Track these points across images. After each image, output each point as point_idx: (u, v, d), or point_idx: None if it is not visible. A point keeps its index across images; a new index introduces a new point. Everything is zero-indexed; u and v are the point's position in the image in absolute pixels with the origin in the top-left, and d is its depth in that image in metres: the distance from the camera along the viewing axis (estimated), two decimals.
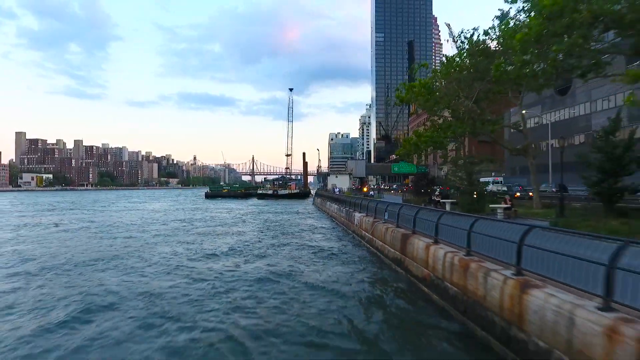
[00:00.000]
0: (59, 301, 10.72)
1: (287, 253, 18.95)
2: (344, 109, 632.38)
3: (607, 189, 14.73)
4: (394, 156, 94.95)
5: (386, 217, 17.94)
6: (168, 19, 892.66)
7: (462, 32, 21.30)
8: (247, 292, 11.78)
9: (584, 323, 5.40)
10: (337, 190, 66.35)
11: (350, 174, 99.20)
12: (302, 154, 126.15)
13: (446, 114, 28.18)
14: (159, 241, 23.15)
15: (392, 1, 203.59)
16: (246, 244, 21.99)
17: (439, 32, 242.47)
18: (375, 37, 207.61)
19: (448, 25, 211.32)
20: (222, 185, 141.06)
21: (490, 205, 19.39)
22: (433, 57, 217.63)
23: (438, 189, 32.60)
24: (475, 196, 20.99)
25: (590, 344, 5.23)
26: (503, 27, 17.73)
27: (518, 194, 28.92)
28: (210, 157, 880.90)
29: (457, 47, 22.88)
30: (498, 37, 18.70)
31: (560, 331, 5.82)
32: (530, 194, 26.58)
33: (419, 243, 12.29)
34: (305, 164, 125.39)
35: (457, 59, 24.69)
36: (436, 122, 27.35)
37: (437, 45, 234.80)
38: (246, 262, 16.57)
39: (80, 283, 12.84)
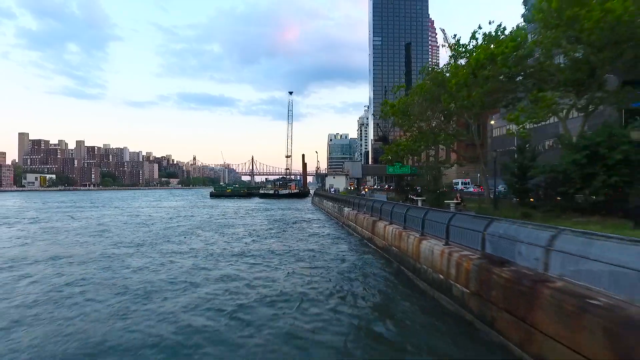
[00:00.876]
0: (181, 254, 17.32)
1: (292, 235, 25.25)
2: (343, 109, 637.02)
3: (519, 189, 20.80)
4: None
5: (365, 210, 23.99)
6: (167, 19, 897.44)
7: (425, 67, 27.20)
8: (271, 252, 18.02)
9: (436, 251, 11.45)
10: (333, 190, 72.44)
11: (346, 175, 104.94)
12: (301, 156, 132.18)
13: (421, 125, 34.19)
14: (198, 227, 30.74)
15: (389, 5, 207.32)
16: (261, 230, 28.22)
17: (436, 34, 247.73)
18: (373, 40, 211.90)
19: (442, 31, 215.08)
20: (226, 185, 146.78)
21: (445, 201, 25.36)
22: (430, 59, 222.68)
23: (418, 189, 38.58)
24: (437, 194, 27.04)
25: (437, 259, 11.28)
26: (452, 68, 23.74)
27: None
28: (210, 157, 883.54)
29: (422, 78, 28.89)
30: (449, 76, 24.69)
31: (429, 257, 11.87)
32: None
33: (380, 224, 18.36)
34: (304, 165, 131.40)
35: (428, 82, 30.74)
36: (413, 133, 33.39)
37: (434, 47, 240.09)
38: (264, 239, 22.96)
39: (174, 248, 19.55)
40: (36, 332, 8.79)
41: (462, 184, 40.51)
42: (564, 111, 19.73)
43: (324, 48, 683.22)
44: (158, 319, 9.63)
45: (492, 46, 19.73)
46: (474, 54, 20.70)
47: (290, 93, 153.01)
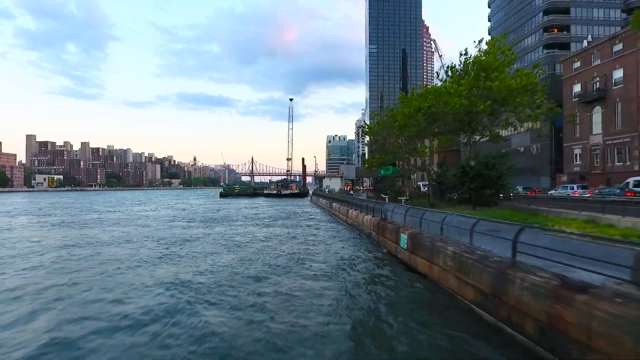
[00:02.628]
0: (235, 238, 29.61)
1: (297, 220, 37.97)
2: (342, 109, 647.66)
3: (440, 189, 33.48)
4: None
5: (345, 204, 36.65)
6: (166, 20, 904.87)
7: (388, 107, 39.78)
8: (283, 231, 30.66)
9: (368, 220, 24.10)
10: (328, 190, 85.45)
11: (341, 177, 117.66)
12: (301, 159, 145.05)
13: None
14: (240, 215, 43.99)
15: (385, 13, 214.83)
16: (276, 217, 40.85)
17: (430, 41, 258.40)
18: (369, 47, 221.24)
19: (434, 41, 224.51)
20: (230, 186, 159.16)
21: (399, 197, 38.03)
22: (424, 65, 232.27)
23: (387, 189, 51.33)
24: (396, 192, 39.75)
25: (368, 223, 23.95)
26: (398, 113, 36.36)
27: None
28: (210, 157, 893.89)
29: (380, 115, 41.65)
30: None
31: (366, 223, 24.61)
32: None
33: (350, 211, 31.05)
34: (304, 168, 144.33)
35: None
36: (382, 149, 46.06)
37: (429, 53, 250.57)
38: (280, 220, 35.63)
39: (249, 223, 31.89)
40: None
41: (423, 185, 53.16)
42: (464, 142, 32.27)
43: (323, 48, 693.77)
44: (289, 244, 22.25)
45: (424, 99, 32.40)
46: (411, 104, 33.34)
47: (291, 99, 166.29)
